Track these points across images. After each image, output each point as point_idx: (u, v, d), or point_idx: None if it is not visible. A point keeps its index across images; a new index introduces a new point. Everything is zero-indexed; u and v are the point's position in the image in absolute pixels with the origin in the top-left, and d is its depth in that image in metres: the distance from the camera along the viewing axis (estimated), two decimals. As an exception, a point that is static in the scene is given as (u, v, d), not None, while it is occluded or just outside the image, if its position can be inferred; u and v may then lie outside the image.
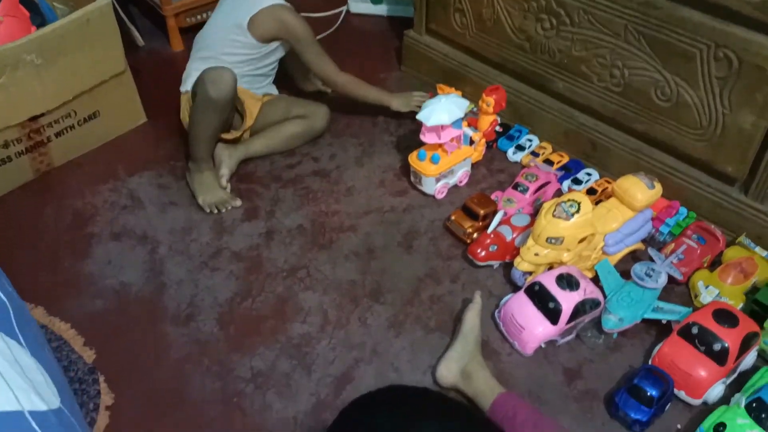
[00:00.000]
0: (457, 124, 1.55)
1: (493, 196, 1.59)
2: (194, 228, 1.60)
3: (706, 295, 1.32)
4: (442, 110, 1.50)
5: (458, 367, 1.22)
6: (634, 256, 1.46)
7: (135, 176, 1.75)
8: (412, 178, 1.68)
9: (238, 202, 1.65)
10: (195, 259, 1.53)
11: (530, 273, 1.40)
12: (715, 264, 1.42)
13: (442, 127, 1.53)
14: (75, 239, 1.58)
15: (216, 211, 1.63)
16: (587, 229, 1.34)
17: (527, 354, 1.30)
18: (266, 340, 1.35)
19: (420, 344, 1.34)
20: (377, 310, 1.40)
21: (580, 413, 1.22)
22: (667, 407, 1.20)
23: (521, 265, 1.38)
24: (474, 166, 1.71)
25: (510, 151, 1.75)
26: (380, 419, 0.62)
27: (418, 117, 1.54)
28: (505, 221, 1.48)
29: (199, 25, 2.03)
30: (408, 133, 1.85)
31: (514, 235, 1.45)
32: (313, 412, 1.23)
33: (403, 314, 1.39)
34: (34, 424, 0.58)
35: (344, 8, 2.40)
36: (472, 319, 1.29)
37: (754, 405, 1.08)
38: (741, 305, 1.31)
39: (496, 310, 1.37)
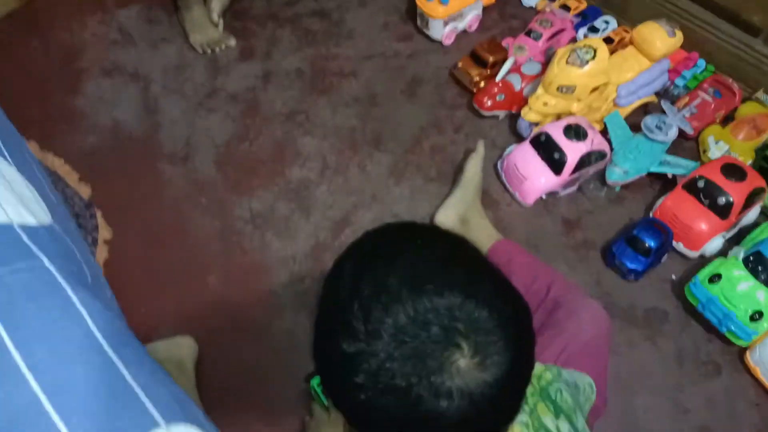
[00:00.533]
0: (470, -40, 1.43)
1: (504, 43, 1.51)
2: (188, 66, 1.53)
3: (716, 150, 1.29)
4: (454, -57, 1.38)
5: (456, 213, 1.22)
6: (645, 109, 1.41)
7: (124, 9, 1.65)
8: (418, 22, 1.58)
9: (233, 42, 1.56)
10: (190, 98, 1.47)
11: (537, 124, 1.35)
12: (727, 120, 1.37)
13: (454, -36, 1.42)
14: (65, 74, 1.51)
15: (209, 51, 1.55)
16: (601, 78, 1.27)
17: (528, 204, 1.29)
18: (265, 183, 1.33)
19: (420, 192, 1.32)
20: (377, 158, 1.37)
21: (576, 261, 1.23)
22: (664, 259, 1.21)
23: (528, 115, 1.33)
24: (485, 10, 1.61)
25: (524, -4, 1.64)
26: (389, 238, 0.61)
27: (428, -49, 1.42)
28: (515, 69, 1.41)
29: None
30: (415, -27, 1.72)
31: (523, 84, 1.39)
32: (312, 252, 1.24)
33: (403, 162, 1.37)
34: (24, 237, 0.56)
35: None
36: (473, 167, 1.26)
37: (751, 258, 1.09)
38: (750, 162, 1.28)
39: (499, 160, 1.34)
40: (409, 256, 0.56)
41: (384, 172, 1.35)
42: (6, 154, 0.69)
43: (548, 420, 0.68)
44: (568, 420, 0.70)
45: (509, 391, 0.53)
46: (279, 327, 1.15)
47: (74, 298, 0.52)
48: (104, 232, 1.27)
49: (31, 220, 0.59)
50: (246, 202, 1.31)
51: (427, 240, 0.60)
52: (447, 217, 1.22)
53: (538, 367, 0.78)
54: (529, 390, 0.73)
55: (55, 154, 1.37)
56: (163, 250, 1.25)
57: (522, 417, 0.67)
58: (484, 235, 1.18)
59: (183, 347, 1.10)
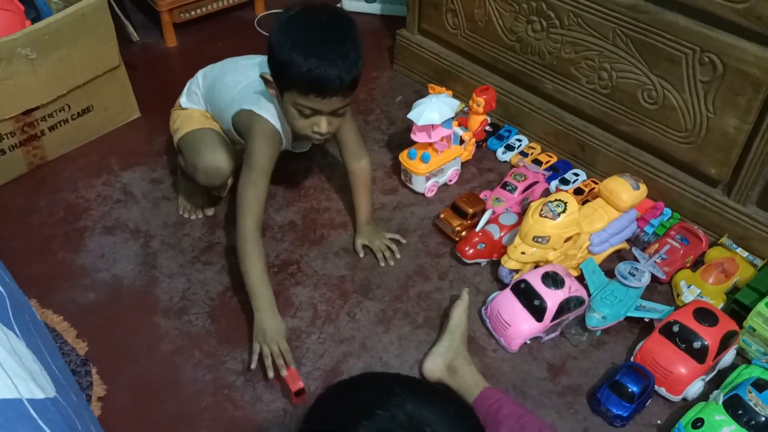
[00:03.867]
0: (447, 123, 1.57)
1: (482, 195, 1.62)
2: (187, 223, 1.62)
3: (688, 294, 1.35)
4: (432, 109, 1.52)
5: (444, 361, 1.25)
6: (618, 256, 1.49)
7: (128, 171, 1.77)
8: (402, 177, 1.70)
9: (211, 212, 1.64)
10: (187, 253, 1.55)
11: (517, 271, 1.42)
12: (697, 264, 1.45)
13: (433, 127, 1.56)
14: (68, 232, 1.60)
15: (187, 215, 1.63)
16: (573, 228, 1.36)
17: (512, 350, 1.33)
18: (257, 334, 1.37)
19: (408, 339, 1.36)
20: (366, 306, 1.43)
21: (563, 408, 1.25)
22: (648, 403, 1.23)
23: (508, 263, 1.41)
24: (464, 165, 1.74)
25: (499, 151, 1.78)
26: (359, 395, 0.64)
27: (409, 116, 1.56)
28: (493, 220, 1.50)
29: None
30: (399, 132, 1.87)
31: (502, 234, 1.48)
32: (304, 405, 1.26)
33: (391, 310, 1.42)
34: (32, 412, 0.60)
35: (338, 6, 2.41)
36: (458, 315, 1.31)
37: (731, 401, 1.12)
38: (722, 305, 1.35)
39: (483, 307, 1.40)
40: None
41: (373, 320, 1.40)
42: (16, 328, 0.75)
43: None
44: None
45: None
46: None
47: (75, 476, 0.55)
48: (98, 390, 1.28)
49: (39, 395, 0.63)
50: (238, 354, 1.34)
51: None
52: (435, 365, 1.26)
53: None
54: None
55: (55, 311, 1.42)
56: (155, 404, 1.26)
57: None
58: (471, 383, 1.21)
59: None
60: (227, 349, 1.35)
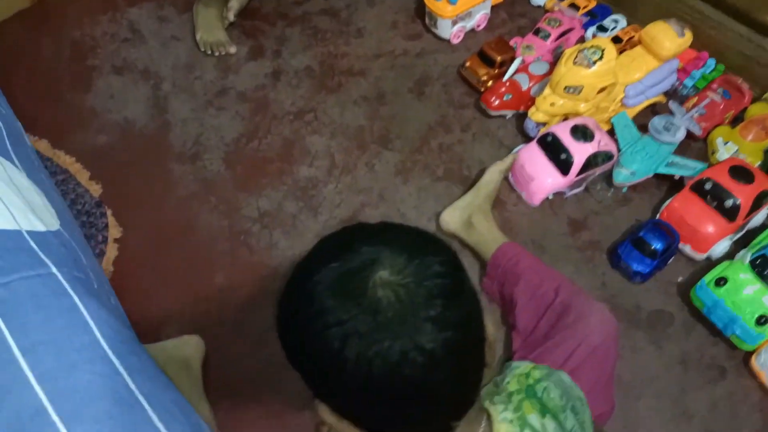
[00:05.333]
0: (478, -41, 1.43)
1: (511, 42, 1.50)
2: (198, 65, 1.54)
3: (724, 151, 1.28)
4: (463, -58, 1.38)
5: (462, 215, 1.22)
6: (653, 110, 1.41)
7: (134, 7, 1.66)
8: (426, 21, 1.58)
9: (233, 49, 1.55)
10: (199, 97, 1.48)
11: (544, 124, 1.35)
12: (737, 120, 1.36)
13: (462, -37, 1.42)
14: (76, 72, 1.53)
15: (210, 52, 1.55)
16: (609, 78, 1.27)
17: (534, 204, 1.29)
18: (273, 182, 1.34)
19: (426, 191, 1.33)
20: (385, 156, 1.38)
21: (581, 262, 1.23)
22: (670, 261, 1.21)
23: (535, 115, 1.33)
24: (493, 9, 1.60)
25: (533, -6, 1.63)
26: (325, 245, 0.61)
27: (436, -50, 1.41)
28: (523, 69, 1.41)
29: None
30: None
31: (531, 84, 1.39)
32: (318, 252, 1.25)
33: (411, 161, 1.37)
34: (32, 243, 0.57)
35: None
36: (492, 173, 1.26)
37: (758, 261, 1.08)
38: (759, 163, 1.28)
39: (507, 160, 1.34)
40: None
41: (391, 171, 1.36)
42: (15, 159, 0.71)
43: (533, 418, 0.69)
44: (554, 419, 0.70)
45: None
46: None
47: (81, 306, 0.53)
48: (114, 231, 1.28)
49: (39, 226, 0.60)
50: (254, 201, 1.32)
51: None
52: (452, 217, 1.23)
53: (526, 366, 0.79)
54: (515, 387, 0.73)
55: (66, 152, 1.39)
56: (171, 249, 1.26)
57: (507, 414, 0.68)
58: (489, 239, 1.18)
59: (190, 346, 1.12)
60: (243, 195, 1.33)
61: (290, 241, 1.27)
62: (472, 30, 1.59)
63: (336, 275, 0.54)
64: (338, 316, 0.52)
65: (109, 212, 1.31)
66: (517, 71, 1.40)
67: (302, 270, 0.58)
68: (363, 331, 0.51)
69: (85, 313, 0.53)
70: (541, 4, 1.63)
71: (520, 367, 0.81)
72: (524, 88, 1.39)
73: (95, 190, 1.34)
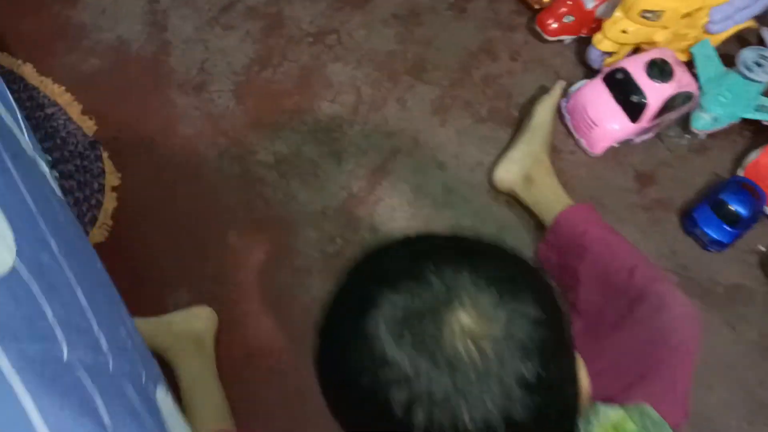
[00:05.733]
0: None
1: (574, -53, 1.25)
2: (201, -28, 1.32)
3: (829, 94, 1.07)
4: None
5: (520, 170, 1.04)
6: (742, 39, 1.18)
7: None
8: None
9: None
10: (203, 13, 1.27)
11: (610, 54, 1.14)
12: (844, 53, 1.13)
13: None
14: (59, -19, 1.31)
15: None
16: (696, 1, 1.04)
17: (595, 153, 1.11)
18: (290, 120, 1.16)
19: (468, 134, 1.14)
20: (420, 91, 1.18)
21: (648, 225, 1.07)
22: (753, 226, 1.04)
23: (602, 43, 1.11)
24: None
25: None
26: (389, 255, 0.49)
27: None
28: (588, -16, 1.17)
29: None
30: None
31: (596, 3, 1.16)
32: (344, 207, 1.09)
33: (449, 97, 1.18)
34: None
35: None
36: (543, 113, 1.07)
37: None
38: None
39: (564, 99, 1.14)
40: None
41: (427, 109, 1.17)
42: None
43: None
44: None
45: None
46: (304, 294, 1.03)
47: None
48: (111, 178, 1.13)
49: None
50: (269, 143, 1.15)
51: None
52: (509, 173, 1.05)
53: (616, 413, 0.65)
54: None
55: (55, 80, 1.21)
56: (177, 200, 1.11)
57: None
58: (552, 198, 1.01)
59: (201, 319, 0.99)
60: (257, 136, 1.15)
61: (311, 193, 1.11)
62: (527, -70, 1.32)
63: (400, 314, 0.42)
64: (404, 371, 0.41)
65: (105, 155, 1.14)
66: (580, -13, 1.17)
67: (354, 295, 0.47)
68: (436, 395, 0.40)
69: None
70: None
71: (609, 415, 0.67)
72: (588, 7, 1.16)
73: (88, 126, 1.17)
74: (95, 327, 0.54)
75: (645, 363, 0.79)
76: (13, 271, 0.47)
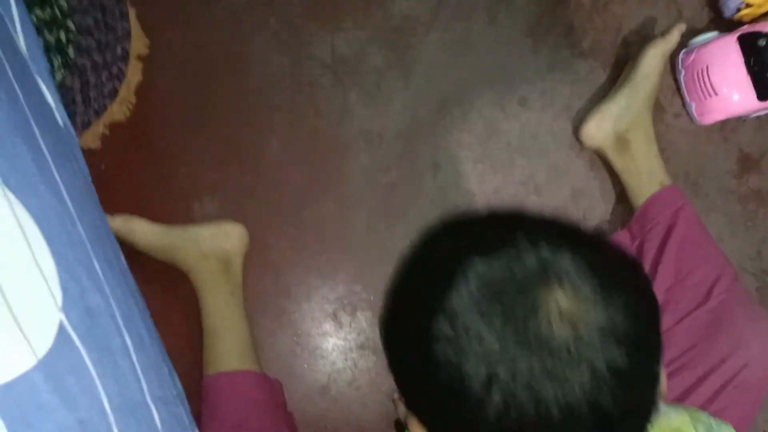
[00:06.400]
0: None
1: None
2: None
3: None
4: None
5: (614, 128, 0.89)
6: None
7: None
8: None
9: None
10: None
11: (747, 5, 0.94)
12: None
13: None
14: None
15: None
16: None
17: (701, 123, 0.96)
18: (356, 13, 0.97)
19: (561, 70, 0.97)
20: (517, 3, 0.98)
21: (738, 218, 0.95)
22: None
23: (748, -9, 0.92)
24: None
25: None
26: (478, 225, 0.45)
27: None
28: None
29: None
30: None
31: (753, -65, 0.94)
32: (405, 133, 0.95)
33: (549, 17, 0.98)
34: None
35: None
36: (653, 62, 0.90)
37: None
38: None
39: (684, 50, 0.96)
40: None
41: (520, 28, 0.98)
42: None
43: None
44: None
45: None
46: (350, 227, 0.92)
47: None
48: (138, 44, 0.95)
49: None
50: (328, 37, 0.96)
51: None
52: (600, 130, 0.90)
53: (679, 416, 0.59)
54: None
55: None
56: (213, 86, 0.95)
57: None
58: (645, 172, 0.87)
59: (232, 238, 0.88)
60: (314, 24, 0.96)
61: (370, 108, 0.95)
62: None
63: (491, 285, 0.39)
64: (488, 346, 0.38)
65: (132, 13, 0.95)
66: None
67: (437, 261, 0.43)
68: (520, 375, 0.38)
69: None
70: None
71: (670, 416, 0.60)
72: (741, -62, 0.94)
73: (114, -28, 0.96)
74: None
75: (714, 405, 0.72)
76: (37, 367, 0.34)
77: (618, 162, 0.90)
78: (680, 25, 0.93)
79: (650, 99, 0.91)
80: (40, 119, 0.46)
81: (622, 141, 0.89)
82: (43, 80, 0.58)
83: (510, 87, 0.96)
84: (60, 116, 0.58)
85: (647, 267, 0.83)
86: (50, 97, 0.58)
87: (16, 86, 0.47)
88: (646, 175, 0.87)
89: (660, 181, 0.87)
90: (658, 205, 0.85)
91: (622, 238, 0.88)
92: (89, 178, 0.56)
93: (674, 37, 0.91)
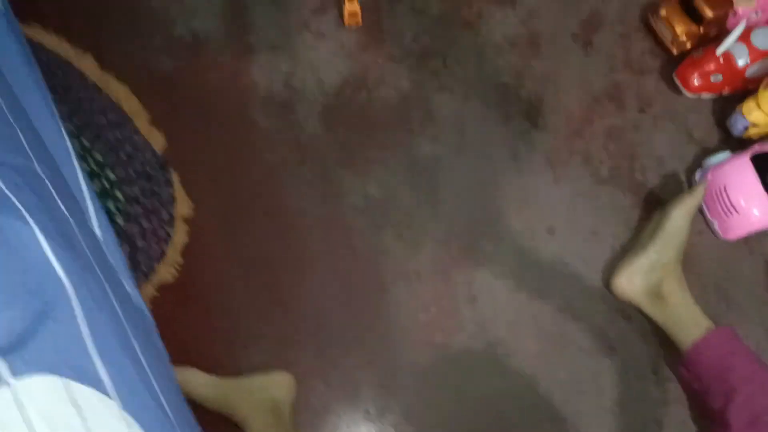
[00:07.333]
0: None
1: (724, -16, 1.09)
2: (291, -39, 1.15)
3: None
4: None
5: (646, 282, 0.92)
6: None
7: None
8: (608, -70, 1.14)
9: None
10: (292, 13, 1.11)
11: (754, 125, 1.00)
12: None
13: None
14: (128, -44, 1.14)
15: None
16: None
17: (726, 239, 0.99)
18: (385, 156, 1.04)
19: (584, 198, 1.02)
20: (533, 138, 1.05)
21: (775, 329, 0.96)
22: None
23: (753, 114, 0.97)
24: None
25: None
26: None
27: None
28: (742, 37, 1.01)
29: None
30: None
31: (749, 62, 1.01)
32: (440, 268, 0.98)
33: (566, 149, 1.04)
34: None
35: None
36: (681, 218, 0.93)
37: None
38: None
39: (700, 170, 1.01)
40: None
41: (540, 160, 1.04)
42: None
43: None
44: None
45: None
46: (395, 368, 0.94)
47: None
48: (183, 207, 1.00)
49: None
50: (360, 183, 1.02)
51: None
52: (631, 285, 0.92)
53: None
54: None
55: (119, 78, 1.06)
56: (256, 238, 1.00)
57: None
58: (689, 322, 0.88)
59: (281, 386, 0.91)
60: (347, 173, 1.03)
61: (405, 249, 0.99)
62: (668, -50, 1.15)
63: None
64: None
65: (176, 178, 1.02)
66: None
67: None
68: None
69: None
70: None
71: None
72: (739, 65, 1.01)
73: (157, 140, 1.04)
74: None
75: None
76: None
77: (658, 314, 0.92)
78: (704, 180, 0.97)
79: (680, 251, 0.93)
80: (132, 325, 0.49)
81: (656, 295, 0.91)
82: (119, 270, 0.62)
83: (537, 216, 1.01)
84: (135, 299, 0.62)
85: (719, 407, 0.81)
86: (127, 286, 0.62)
87: (109, 292, 0.51)
88: (692, 324, 0.88)
89: (704, 328, 0.88)
90: (709, 346, 0.85)
91: (685, 374, 0.88)
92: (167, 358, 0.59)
93: (700, 193, 0.95)
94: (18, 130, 0.49)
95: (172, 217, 1.00)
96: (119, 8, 1.11)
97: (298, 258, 0.99)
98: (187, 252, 0.99)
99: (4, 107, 0.50)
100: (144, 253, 0.98)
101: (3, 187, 0.44)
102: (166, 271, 0.98)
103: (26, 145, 0.48)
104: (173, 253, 0.98)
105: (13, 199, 0.43)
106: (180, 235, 0.99)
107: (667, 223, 0.92)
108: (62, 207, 0.47)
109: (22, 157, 0.46)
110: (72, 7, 1.09)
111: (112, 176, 1.01)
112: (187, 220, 1.00)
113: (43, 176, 0.47)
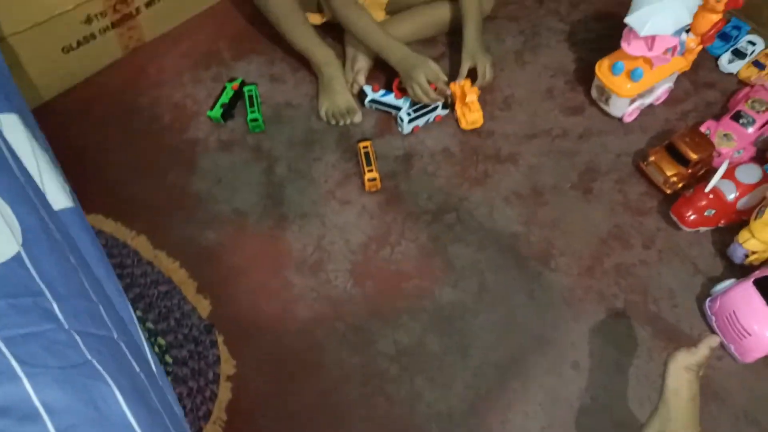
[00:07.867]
0: (677, 30, 1.13)
1: (704, 128, 1.22)
2: (317, 142, 1.31)
3: None
4: (666, 14, 1.08)
5: None
6: None
7: (242, 61, 1.44)
8: (593, 93, 1.30)
9: (358, 117, 1.32)
10: (319, 185, 1.26)
11: (753, 252, 1.07)
12: None
13: (656, 36, 1.13)
14: (176, 145, 1.32)
15: (333, 122, 1.32)
16: None
17: (744, 362, 1.03)
18: (410, 306, 1.12)
19: (603, 333, 1.07)
20: (548, 279, 1.13)
21: (812, 451, 0.97)
22: None
23: (749, 243, 1.05)
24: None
25: (724, 59, 1.33)
26: None
27: (627, 21, 1.12)
28: (727, 174, 1.12)
29: None
30: (585, 19, 1.43)
31: (737, 195, 1.10)
32: (472, 410, 1.02)
33: (581, 288, 1.12)
34: None
35: None
36: (678, 377, 0.82)
37: None
38: None
39: (709, 299, 1.07)
40: None
41: (557, 300, 1.11)
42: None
43: None
44: None
45: None
46: None
47: None
48: (227, 366, 1.08)
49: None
50: (389, 332, 1.10)
51: None
52: None
53: None
54: None
55: (169, 254, 1.19)
56: (294, 390, 1.06)
57: None
58: None
59: None
60: (377, 323, 1.10)
61: (436, 391, 1.04)
62: (650, 105, 1.29)
63: None
64: None
65: (220, 340, 1.11)
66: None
67: None
68: None
69: None
70: (734, 71, 1.32)
71: None
72: (729, 198, 1.11)
73: (203, 307, 1.14)
74: None
75: None
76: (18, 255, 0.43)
77: None
78: (711, 338, 0.85)
79: (687, 412, 0.82)
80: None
81: None
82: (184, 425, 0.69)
83: (561, 353, 1.06)
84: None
85: None
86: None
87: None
88: None
89: None
90: None
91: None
92: None
93: (702, 351, 0.83)
94: (99, 306, 0.59)
95: (217, 377, 1.07)
96: (168, 192, 1.26)
97: (336, 407, 1.04)
98: (230, 408, 1.05)
99: (87, 287, 0.61)
100: (191, 414, 1.05)
101: (87, 354, 0.53)
102: (211, 430, 1.04)
103: (106, 318, 0.58)
104: (218, 411, 1.05)
105: (97, 365, 0.52)
106: (224, 393, 1.06)
107: (666, 384, 0.83)
108: (136, 368, 0.56)
109: (104, 329, 0.56)
110: (127, 197, 1.25)
111: (162, 342, 1.10)
112: (230, 378, 1.07)
113: (120, 343, 0.56)
